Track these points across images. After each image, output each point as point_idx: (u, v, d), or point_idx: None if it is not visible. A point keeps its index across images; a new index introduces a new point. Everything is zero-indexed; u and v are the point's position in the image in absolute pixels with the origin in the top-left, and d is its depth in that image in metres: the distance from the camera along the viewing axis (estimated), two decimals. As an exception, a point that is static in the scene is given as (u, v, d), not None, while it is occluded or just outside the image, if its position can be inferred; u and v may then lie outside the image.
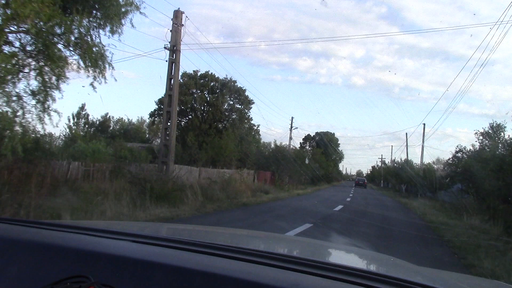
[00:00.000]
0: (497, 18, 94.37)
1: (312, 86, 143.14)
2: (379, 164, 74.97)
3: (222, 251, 1.20)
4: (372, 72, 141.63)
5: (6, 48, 7.50)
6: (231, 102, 31.01)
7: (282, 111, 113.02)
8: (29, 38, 7.50)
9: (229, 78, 30.05)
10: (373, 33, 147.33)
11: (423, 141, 37.46)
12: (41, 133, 8.79)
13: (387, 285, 1.02)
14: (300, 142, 58.30)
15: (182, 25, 14.05)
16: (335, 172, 68.34)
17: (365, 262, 1.85)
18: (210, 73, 29.90)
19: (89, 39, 8.45)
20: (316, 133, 62.86)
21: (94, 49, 8.42)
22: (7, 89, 7.28)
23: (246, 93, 30.88)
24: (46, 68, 7.68)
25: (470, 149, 19.71)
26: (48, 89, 7.77)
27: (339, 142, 70.31)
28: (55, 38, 7.71)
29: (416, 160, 42.21)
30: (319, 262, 1.17)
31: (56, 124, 10.11)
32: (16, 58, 7.41)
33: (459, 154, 20.52)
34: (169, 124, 14.15)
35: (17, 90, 7.56)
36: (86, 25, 8.33)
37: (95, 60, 8.35)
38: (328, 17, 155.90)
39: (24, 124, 7.68)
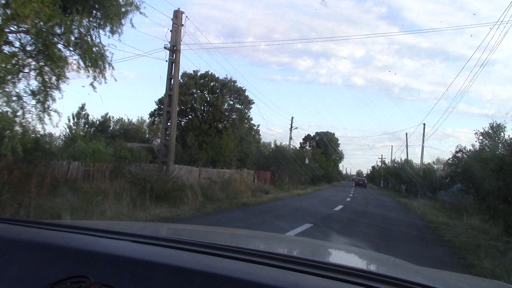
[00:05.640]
0: (497, 18, 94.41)
1: (312, 86, 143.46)
2: (379, 164, 75.05)
3: (222, 251, 1.20)
4: (372, 72, 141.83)
5: (6, 48, 7.50)
6: (231, 102, 31.02)
7: (282, 111, 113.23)
8: (29, 38, 7.50)
9: (229, 78, 30.09)
10: (373, 33, 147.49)
11: (423, 141, 37.50)
12: (41, 133, 8.80)
13: (387, 285, 1.02)
14: (300, 142, 58.37)
15: (182, 25, 14.05)
16: (335, 172, 68.34)
17: (365, 262, 1.85)
18: (210, 73, 29.93)
19: (89, 39, 8.45)
20: (316, 133, 62.93)
21: (94, 49, 8.42)
22: (7, 89, 7.28)
23: (246, 93, 30.93)
24: (46, 68, 7.67)
25: (470, 149, 19.73)
26: (48, 89, 7.76)
27: (339, 142, 70.40)
28: (55, 38, 7.71)
29: (416, 160, 42.29)
30: (319, 262, 1.17)
31: (56, 124, 10.14)
32: (16, 58, 7.41)
33: (459, 154, 20.52)
34: (169, 124, 14.15)
35: (17, 90, 7.57)
36: (86, 25, 8.33)
37: (95, 60, 8.35)
38: (328, 17, 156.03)
39: (24, 124, 7.68)
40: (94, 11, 8.58)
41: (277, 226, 9.44)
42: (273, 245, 1.94)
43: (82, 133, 28.84)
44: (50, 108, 7.91)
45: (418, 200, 24.84)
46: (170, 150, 13.87)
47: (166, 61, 14.12)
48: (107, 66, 8.72)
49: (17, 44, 7.66)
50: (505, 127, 19.28)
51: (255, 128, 33.65)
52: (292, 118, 40.65)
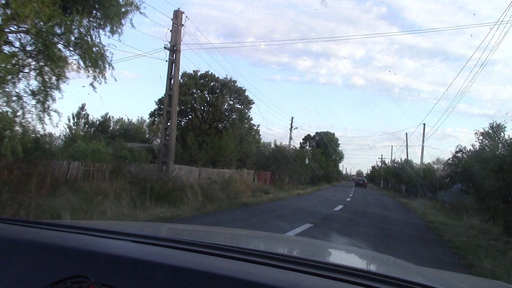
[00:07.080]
0: (497, 18, 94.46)
1: (312, 86, 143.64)
2: (379, 164, 75.04)
3: (222, 251, 1.20)
4: (372, 72, 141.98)
5: (6, 48, 7.50)
6: (231, 102, 31.02)
7: (282, 111, 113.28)
8: (29, 38, 7.50)
9: (229, 78, 30.09)
10: (373, 33, 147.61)
11: (423, 141, 37.50)
12: (41, 133, 8.80)
13: (387, 285, 1.02)
14: (300, 142, 58.37)
15: (182, 25, 14.05)
16: (335, 172, 68.34)
17: (365, 262, 1.85)
18: (210, 73, 29.93)
19: (89, 39, 8.45)
20: (316, 133, 62.92)
21: (94, 49, 8.42)
22: (7, 89, 7.28)
23: (246, 93, 30.93)
24: (46, 68, 7.67)
25: (470, 149, 19.74)
26: (48, 89, 7.76)
27: (339, 142, 70.41)
28: (55, 38, 7.71)
29: (416, 160, 42.28)
30: (319, 262, 1.17)
31: (56, 124, 10.14)
32: (16, 58, 7.41)
33: (459, 154, 20.52)
34: (169, 124, 14.15)
35: (17, 90, 7.57)
36: (86, 25, 8.33)
37: (95, 60, 8.35)
38: (328, 17, 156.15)
39: (24, 124, 7.68)
40: (94, 11, 8.58)
41: (277, 226, 9.44)
42: (273, 245, 1.94)
43: (82, 133, 28.83)
44: (50, 108, 7.92)
45: (418, 200, 24.84)
46: (170, 150, 13.87)
47: (166, 61, 14.13)
48: (107, 66, 8.73)
49: (17, 44, 7.67)
50: (505, 127, 19.31)
51: (255, 128, 33.69)
52: (292, 118, 40.71)
